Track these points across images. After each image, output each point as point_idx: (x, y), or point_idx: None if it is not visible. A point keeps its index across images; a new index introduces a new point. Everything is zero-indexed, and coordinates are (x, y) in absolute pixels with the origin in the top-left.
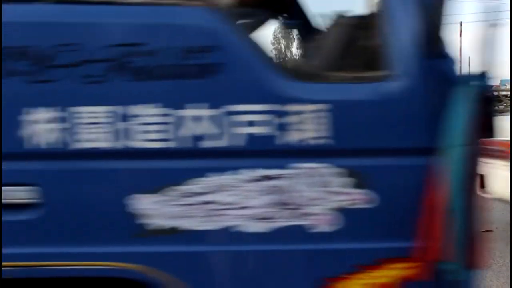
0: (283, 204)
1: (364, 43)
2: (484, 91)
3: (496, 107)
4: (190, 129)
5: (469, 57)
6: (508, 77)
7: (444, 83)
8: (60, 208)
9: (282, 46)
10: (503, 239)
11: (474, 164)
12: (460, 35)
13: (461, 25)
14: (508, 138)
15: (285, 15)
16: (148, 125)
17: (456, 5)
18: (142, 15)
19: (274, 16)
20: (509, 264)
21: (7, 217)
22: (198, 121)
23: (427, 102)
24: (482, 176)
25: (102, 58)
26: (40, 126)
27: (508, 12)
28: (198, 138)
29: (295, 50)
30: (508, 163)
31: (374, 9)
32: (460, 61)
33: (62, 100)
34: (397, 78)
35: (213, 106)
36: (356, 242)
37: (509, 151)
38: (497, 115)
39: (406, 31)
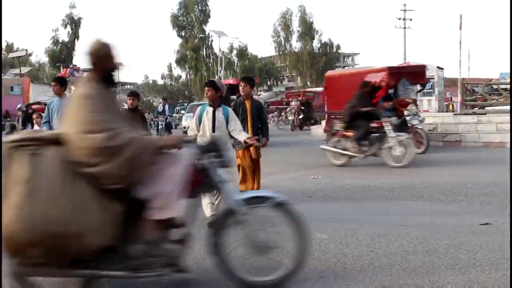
0: None
1: None
2: None
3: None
4: None
5: (468, 50)
6: (507, 71)
7: None
8: None
9: (282, 39)
10: (502, 232)
11: None
12: (460, 28)
13: (461, 18)
14: None
15: None
16: None
17: None
18: None
19: None
20: (507, 257)
21: None
22: None
23: None
24: None
25: None
26: None
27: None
28: None
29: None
30: None
31: None
32: (460, 54)
33: None
34: None
35: None
36: None
37: None
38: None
39: None
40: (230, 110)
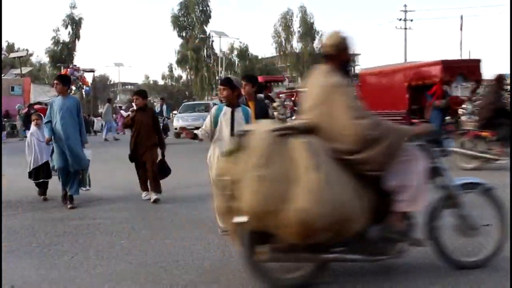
0: None
1: None
2: None
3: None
4: None
5: (469, 51)
6: (508, 72)
7: None
8: None
9: (283, 40)
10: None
11: None
12: (461, 29)
13: (461, 19)
14: None
15: None
16: None
17: None
18: None
19: None
20: (507, 257)
21: None
22: None
23: None
24: None
25: None
26: None
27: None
28: None
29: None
30: None
31: None
32: (461, 54)
33: None
34: None
35: None
36: None
37: None
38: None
39: None
40: (249, 110)
